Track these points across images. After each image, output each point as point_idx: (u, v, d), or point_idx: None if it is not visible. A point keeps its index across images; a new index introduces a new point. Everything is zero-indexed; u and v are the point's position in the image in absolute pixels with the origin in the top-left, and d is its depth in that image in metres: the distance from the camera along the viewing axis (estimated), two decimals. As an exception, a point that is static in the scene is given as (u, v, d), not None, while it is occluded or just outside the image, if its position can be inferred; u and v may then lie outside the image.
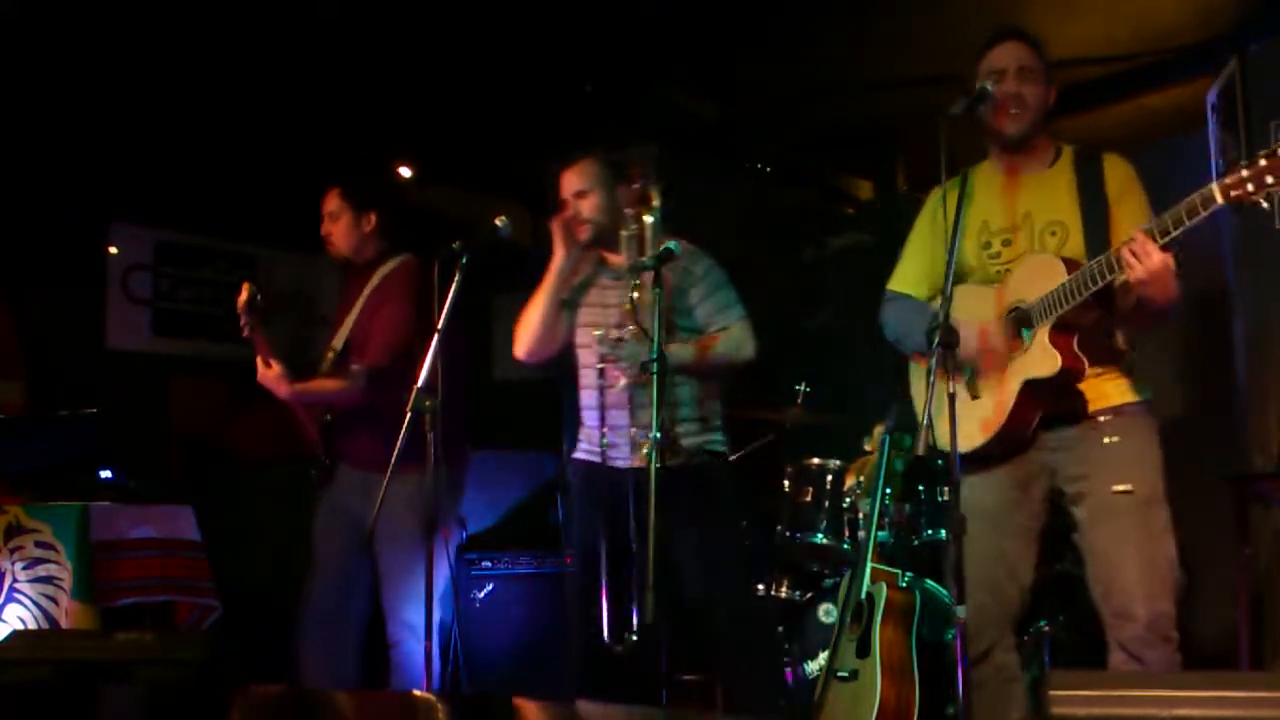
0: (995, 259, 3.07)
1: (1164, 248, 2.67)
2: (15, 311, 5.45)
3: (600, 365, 3.51)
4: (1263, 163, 2.48)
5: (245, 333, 3.83)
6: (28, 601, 4.06)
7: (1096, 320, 2.93)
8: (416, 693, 3.49)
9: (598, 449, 3.61)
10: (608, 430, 3.57)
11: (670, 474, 3.25)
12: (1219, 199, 2.54)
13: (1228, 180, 2.53)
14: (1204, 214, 2.58)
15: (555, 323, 3.68)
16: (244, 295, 3.85)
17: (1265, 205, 2.53)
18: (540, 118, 5.47)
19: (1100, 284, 2.78)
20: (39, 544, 4.10)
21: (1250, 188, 2.50)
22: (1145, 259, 2.67)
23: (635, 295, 3.46)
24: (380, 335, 3.87)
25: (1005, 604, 3.06)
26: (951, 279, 2.81)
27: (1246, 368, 4.69)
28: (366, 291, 4.02)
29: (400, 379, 3.53)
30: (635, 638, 3.44)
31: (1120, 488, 2.91)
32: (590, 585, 3.60)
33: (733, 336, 3.59)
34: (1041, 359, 2.89)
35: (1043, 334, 2.89)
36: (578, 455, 3.73)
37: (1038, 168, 3.09)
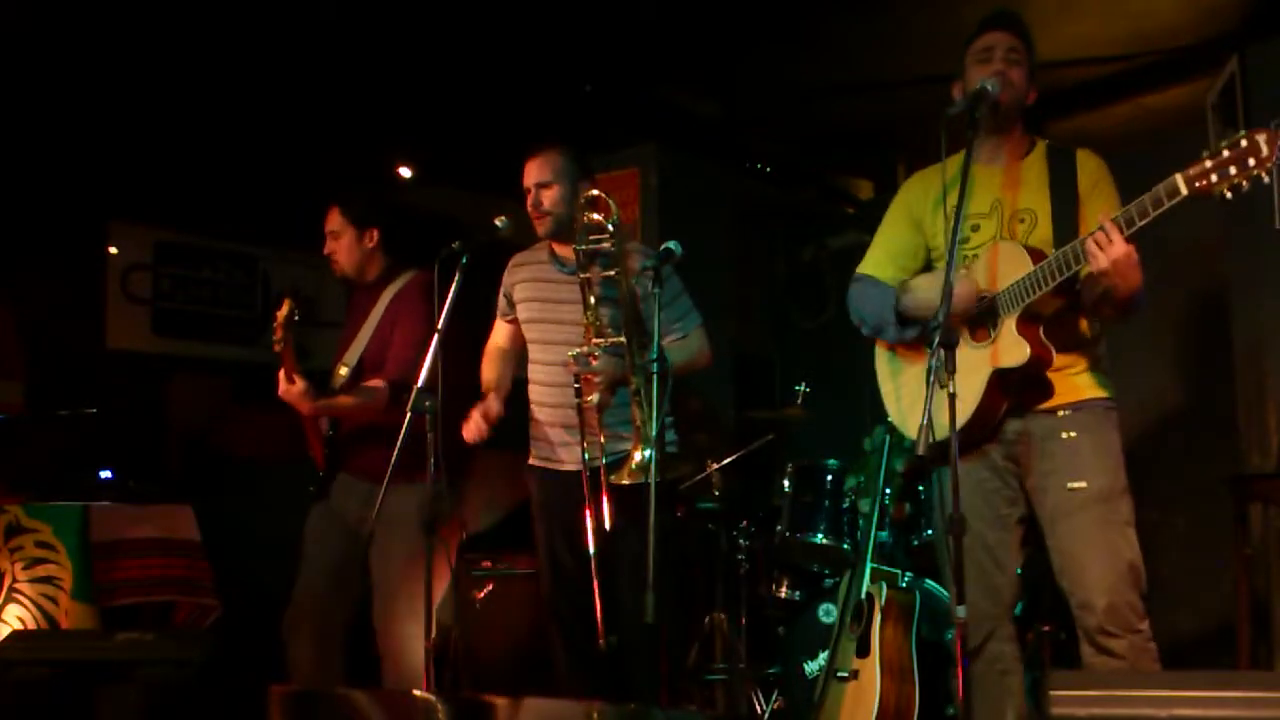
0: (963, 244, 3.08)
1: (1129, 239, 2.68)
2: (15, 311, 5.45)
3: (576, 384, 3.50)
4: (1226, 153, 2.49)
5: (277, 348, 3.80)
6: (28, 601, 4.07)
7: (1060, 310, 2.94)
8: (416, 693, 3.49)
9: (561, 456, 3.64)
10: (579, 439, 3.56)
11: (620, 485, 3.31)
12: (1183, 190, 2.56)
13: (1192, 171, 2.54)
14: (1168, 204, 2.60)
15: (511, 362, 3.85)
16: (284, 310, 3.80)
17: (1229, 195, 2.51)
18: (540, 118, 5.47)
19: (1067, 273, 2.79)
20: (39, 544, 4.10)
21: (1214, 178, 2.51)
22: (1108, 249, 2.68)
23: (593, 303, 3.48)
24: (399, 351, 3.86)
25: (995, 593, 3.05)
26: (952, 276, 2.81)
27: (1245, 368, 4.69)
28: (378, 310, 4.01)
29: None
30: (615, 639, 3.44)
31: (1075, 484, 2.93)
32: (562, 593, 3.64)
33: (691, 344, 3.66)
34: (1011, 348, 2.90)
35: (1010, 323, 2.90)
36: (536, 464, 3.75)
37: (1011, 158, 3.11)
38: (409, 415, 3.32)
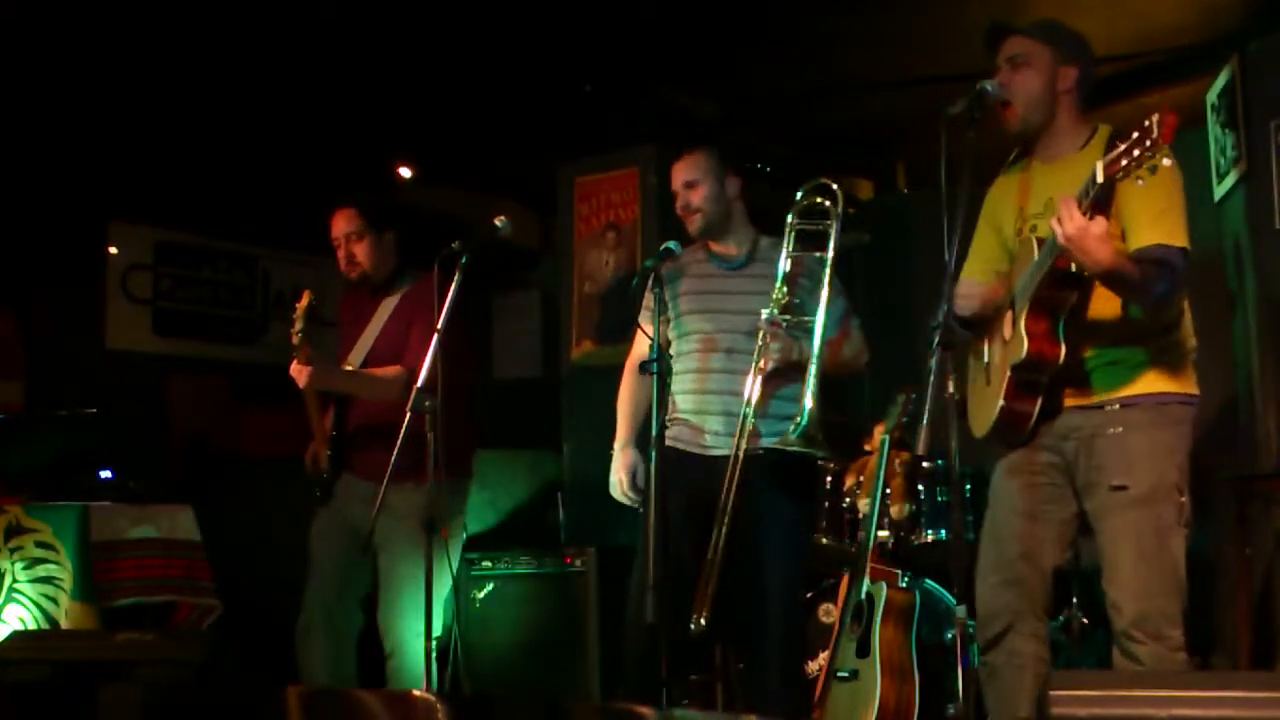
0: (1025, 245, 3.07)
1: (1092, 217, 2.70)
2: (16, 312, 5.45)
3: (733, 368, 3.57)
4: (1134, 135, 2.52)
5: (295, 339, 3.80)
6: (28, 601, 4.07)
7: (1081, 304, 2.90)
8: (416, 693, 3.49)
9: (706, 441, 3.62)
10: (729, 423, 3.57)
11: (770, 459, 3.42)
12: (1100, 177, 2.60)
13: (1106, 159, 2.59)
14: (1094, 192, 2.64)
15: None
16: (304, 303, 3.82)
17: (1140, 183, 2.56)
18: (540, 118, 5.47)
19: (1052, 258, 2.77)
20: (39, 544, 4.10)
21: (1123, 163, 2.54)
22: (1064, 224, 2.67)
23: (781, 297, 3.54)
24: (416, 345, 3.83)
25: (1022, 588, 3.03)
26: (950, 279, 2.81)
27: (1246, 368, 4.69)
28: (384, 313, 4.01)
29: None
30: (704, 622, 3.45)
31: (1116, 483, 2.89)
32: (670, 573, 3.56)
33: (856, 341, 3.73)
34: (1016, 344, 2.88)
35: (1020, 319, 2.88)
36: (670, 444, 3.69)
37: (1068, 150, 3.05)
38: (409, 415, 3.32)
